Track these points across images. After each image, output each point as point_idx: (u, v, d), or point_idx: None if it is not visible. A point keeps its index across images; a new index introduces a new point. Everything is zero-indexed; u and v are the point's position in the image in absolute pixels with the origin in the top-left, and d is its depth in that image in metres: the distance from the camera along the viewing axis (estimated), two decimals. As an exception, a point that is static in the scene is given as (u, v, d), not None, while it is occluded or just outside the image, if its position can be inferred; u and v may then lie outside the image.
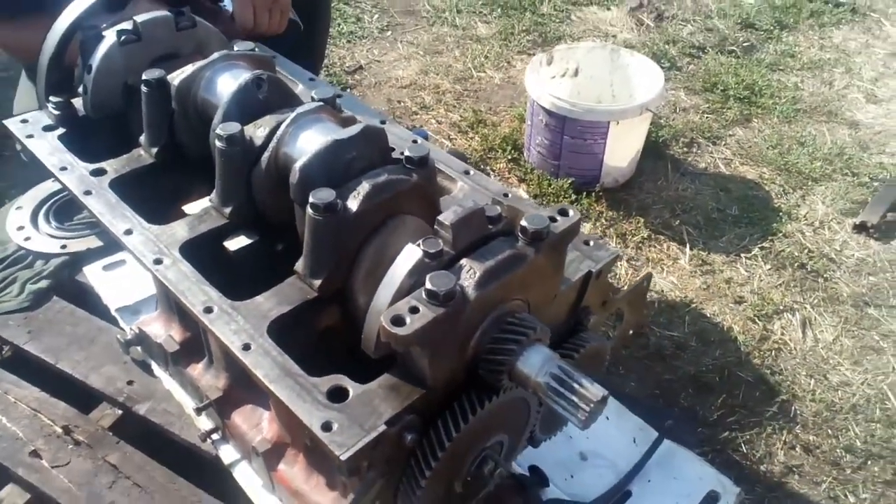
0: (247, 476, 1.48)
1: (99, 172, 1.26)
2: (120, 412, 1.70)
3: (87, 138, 1.37)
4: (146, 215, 1.18)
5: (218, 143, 1.11)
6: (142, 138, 1.30)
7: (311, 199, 0.98)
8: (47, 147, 1.31)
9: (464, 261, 0.92)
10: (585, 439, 1.64)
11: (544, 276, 1.00)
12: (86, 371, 1.75)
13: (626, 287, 1.30)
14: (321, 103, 1.15)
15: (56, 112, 1.35)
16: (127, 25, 1.35)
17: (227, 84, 1.21)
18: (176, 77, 1.22)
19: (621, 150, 2.68)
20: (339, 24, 3.80)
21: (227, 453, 1.51)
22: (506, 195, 1.26)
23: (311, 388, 0.91)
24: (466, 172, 1.31)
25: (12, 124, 1.36)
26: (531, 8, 4.02)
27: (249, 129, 1.14)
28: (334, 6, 3.95)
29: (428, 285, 0.86)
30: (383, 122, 1.41)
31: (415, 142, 1.35)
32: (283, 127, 1.10)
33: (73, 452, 1.60)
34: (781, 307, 2.30)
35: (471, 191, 1.27)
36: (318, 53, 2.54)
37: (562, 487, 1.57)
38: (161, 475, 1.55)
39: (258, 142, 1.13)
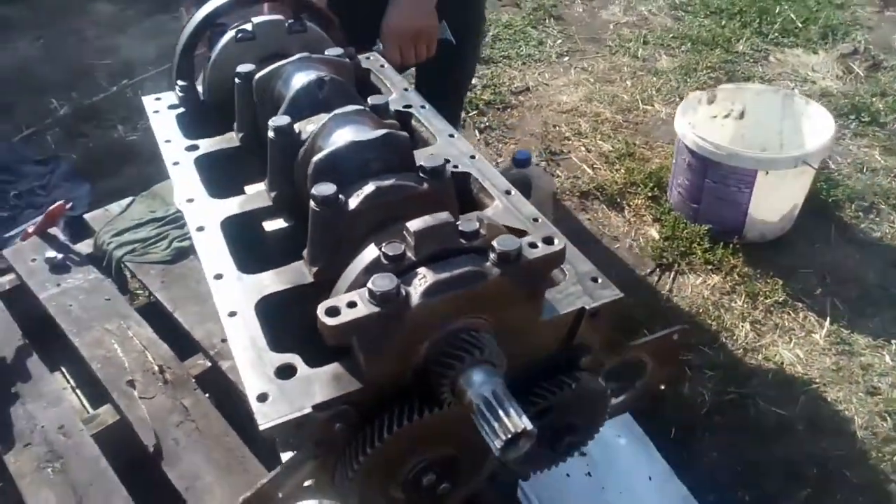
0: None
1: (192, 148, 1.45)
2: (209, 364, 1.92)
3: (201, 120, 1.57)
4: (221, 191, 1.34)
5: (269, 134, 1.23)
6: (235, 124, 1.47)
7: (312, 191, 1.06)
8: (164, 121, 1.53)
9: (421, 269, 0.94)
10: (619, 494, 1.56)
11: (512, 300, 0.98)
12: (193, 323, 2.00)
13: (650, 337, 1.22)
14: (361, 107, 1.22)
15: (181, 94, 1.57)
16: (246, 26, 1.53)
17: (299, 82, 1.33)
18: (259, 72, 1.37)
19: (771, 203, 2.46)
20: (519, 47, 3.89)
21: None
22: (536, 220, 1.25)
23: (266, 362, 0.98)
24: (508, 192, 1.31)
25: (147, 100, 1.61)
26: (725, 45, 3.80)
27: (302, 124, 1.25)
28: (520, 28, 4.05)
29: (369, 284, 0.89)
30: (451, 136, 1.46)
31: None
32: (321, 123, 1.19)
33: (160, 389, 1.83)
34: (927, 410, 1.97)
35: (504, 210, 1.27)
36: (469, 68, 2.62)
37: (575, 535, 1.50)
38: (219, 426, 1.73)
39: (304, 136, 1.23)
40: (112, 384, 1.83)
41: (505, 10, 4.29)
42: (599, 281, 1.14)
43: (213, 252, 1.18)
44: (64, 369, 2.09)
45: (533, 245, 0.99)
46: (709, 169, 2.43)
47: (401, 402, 0.98)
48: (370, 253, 0.97)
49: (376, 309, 0.89)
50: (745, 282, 2.41)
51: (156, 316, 2.09)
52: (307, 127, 1.24)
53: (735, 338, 2.24)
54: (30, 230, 2.35)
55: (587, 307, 1.08)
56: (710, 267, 2.47)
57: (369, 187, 1.08)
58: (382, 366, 0.94)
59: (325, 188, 1.05)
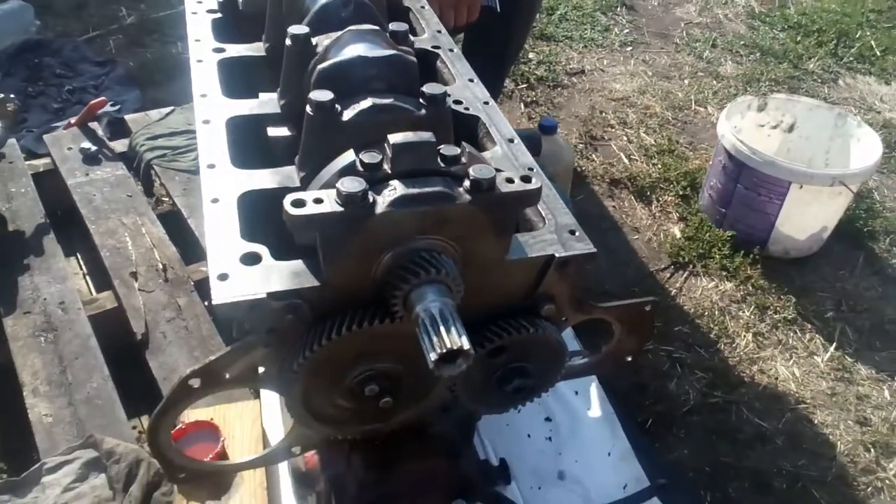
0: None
1: (219, 50, 1.48)
2: (210, 272, 1.97)
3: (236, 28, 1.61)
4: (236, 95, 1.38)
5: (287, 41, 1.25)
6: (263, 35, 1.50)
7: (309, 95, 1.08)
8: (199, 22, 1.57)
9: (393, 181, 0.96)
10: (574, 462, 1.57)
11: (480, 231, 0.99)
12: (203, 231, 2.06)
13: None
14: (377, 28, 1.24)
15: (220, 0, 1.61)
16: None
17: (326, -2, 1.35)
18: (290, -16, 1.39)
19: (800, 220, 2.39)
20: (584, 30, 3.84)
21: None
22: (530, 169, 1.25)
23: (234, 247, 1.02)
24: (511, 140, 1.31)
25: (189, 1, 1.65)
26: (795, 60, 3.68)
27: (319, 38, 1.27)
28: (588, 12, 3.99)
29: (338, 184, 0.91)
30: (471, 80, 1.47)
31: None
32: (335, 36, 1.21)
33: (159, 286, 1.90)
34: (916, 451, 1.91)
35: (501, 156, 1.28)
36: (515, 42, 2.60)
37: (525, 494, 1.51)
38: (207, 329, 1.79)
39: (319, 49, 1.25)
40: (116, 272, 1.91)
41: (577, -9, 4.23)
42: (576, 234, 1.13)
43: (212, 144, 1.22)
44: (78, 255, 2.18)
45: (509, 180, 0.99)
46: (742, 174, 2.38)
47: (354, 309, 1.00)
48: (347, 157, 0.99)
49: (340, 209, 0.91)
50: (758, 294, 2.36)
51: (171, 221, 2.16)
52: (324, 41, 1.26)
53: (734, 346, 2.20)
54: (72, 121, 2.44)
55: (557, 255, 1.09)
56: (725, 273, 2.43)
57: (366, 102, 1.10)
58: (341, 268, 0.97)
59: (323, 94, 1.07)
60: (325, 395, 1.06)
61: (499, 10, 2.30)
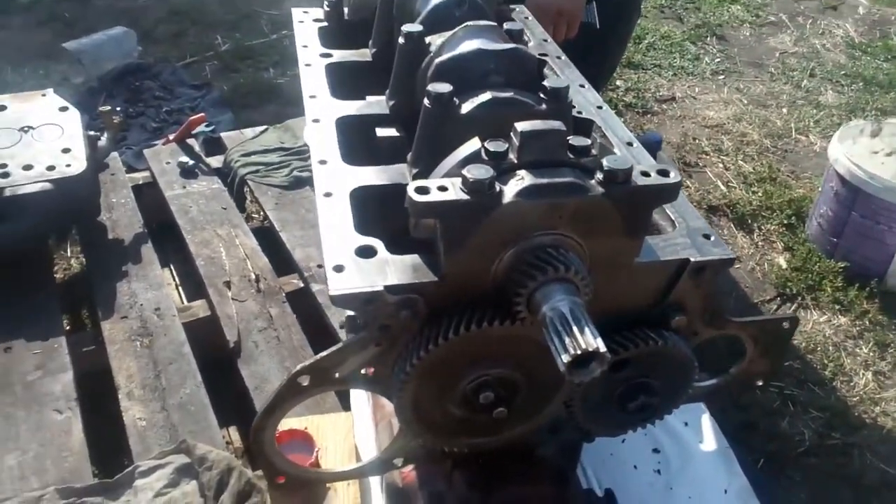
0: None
1: (326, 55, 1.47)
2: (301, 285, 1.96)
3: (342, 36, 1.60)
4: (345, 97, 1.36)
5: (399, 40, 1.23)
6: (371, 40, 1.49)
7: (428, 87, 1.04)
8: (306, 31, 1.57)
9: (521, 170, 0.90)
10: (688, 499, 1.44)
11: (611, 227, 0.92)
12: (295, 245, 2.06)
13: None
14: (493, 24, 1.20)
15: (327, 9, 1.61)
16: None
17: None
18: (400, -12, 1.37)
19: (923, 252, 2.21)
20: (673, 58, 3.74)
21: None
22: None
23: (349, 240, 0.97)
24: (629, 144, 1.24)
25: (296, 11, 1.66)
26: (904, 90, 3.49)
27: (433, 38, 1.24)
28: (677, 41, 3.90)
29: (464, 171, 0.86)
30: (582, 86, 1.41)
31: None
32: (450, 33, 1.18)
33: (252, 295, 1.89)
34: None
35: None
36: (611, 62, 2.54)
37: (632, 529, 1.40)
38: (298, 339, 1.76)
39: (433, 47, 1.22)
40: (210, 280, 1.91)
41: (666, 21, 4.15)
42: (711, 239, 1.04)
43: (324, 141, 1.19)
44: (172, 267, 2.21)
45: (645, 174, 0.92)
46: (858, 200, 2.22)
47: (473, 308, 0.94)
48: (471, 145, 0.94)
49: (466, 197, 0.86)
50: (876, 329, 2.18)
51: (263, 235, 2.17)
52: (437, 39, 1.23)
53: (852, 384, 2.02)
54: (171, 137, 2.51)
55: (692, 259, 1.00)
56: (838, 307, 2.26)
57: (485, 95, 1.05)
58: (462, 261, 0.90)
59: (442, 87, 1.03)
60: (436, 401, 1.00)
61: (598, 26, 2.25)
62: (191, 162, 2.32)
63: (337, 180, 1.10)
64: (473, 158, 0.92)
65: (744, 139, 3.08)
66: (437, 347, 0.92)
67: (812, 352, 2.12)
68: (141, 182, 2.33)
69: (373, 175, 1.12)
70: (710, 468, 1.48)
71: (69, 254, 2.25)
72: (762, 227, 2.58)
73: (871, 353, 2.12)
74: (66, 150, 1.89)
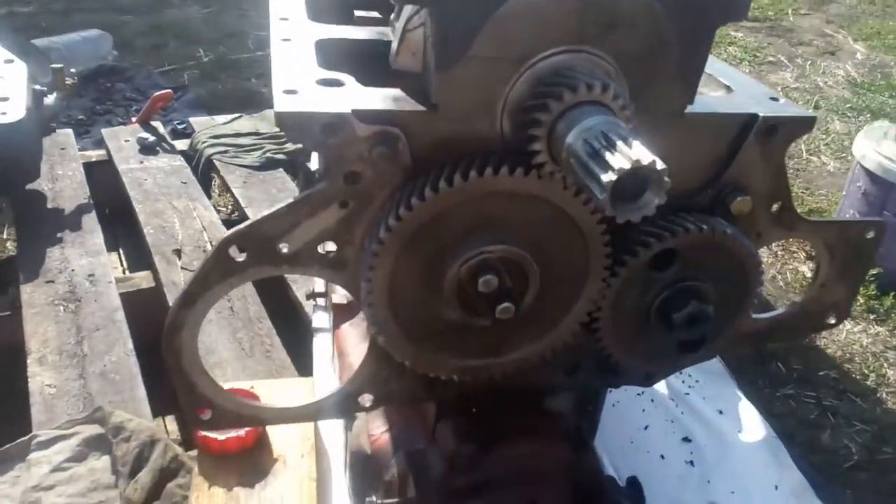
0: (321, 347, 1.33)
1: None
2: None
3: None
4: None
5: None
6: None
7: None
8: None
9: (541, -38, 0.67)
10: (730, 494, 1.15)
11: (659, 50, 0.68)
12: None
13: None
14: None
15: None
16: None
17: None
18: None
19: (964, 256, 1.99)
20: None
21: (319, 319, 1.39)
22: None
23: (309, 73, 0.73)
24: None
25: None
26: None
27: None
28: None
29: (466, -57, 0.63)
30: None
31: None
32: None
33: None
34: None
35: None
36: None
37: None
38: (256, 311, 1.49)
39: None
40: (157, 248, 1.64)
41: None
42: (781, 101, 0.81)
43: (287, 3, 0.97)
44: (121, 251, 1.94)
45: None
46: (891, 197, 2.02)
47: (472, 157, 0.69)
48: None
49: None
50: (919, 340, 1.93)
51: (231, 225, 1.92)
52: None
53: (887, 378, 1.76)
54: (133, 119, 2.28)
55: (762, 115, 0.76)
56: (873, 316, 2.01)
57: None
58: (461, 81, 0.66)
59: None
60: (420, 290, 0.72)
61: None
62: (152, 138, 2.09)
63: (300, 31, 0.87)
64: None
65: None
66: (424, 203, 0.67)
67: (848, 361, 1.86)
68: (94, 159, 2.08)
69: (346, 31, 0.89)
70: (755, 461, 1.19)
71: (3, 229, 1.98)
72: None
73: (912, 365, 1.86)
74: (3, 99, 1.66)
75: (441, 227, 0.69)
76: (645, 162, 0.55)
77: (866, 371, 1.83)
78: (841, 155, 2.98)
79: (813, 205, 2.55)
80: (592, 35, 0.67)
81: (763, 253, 2.32)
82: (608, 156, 0.57)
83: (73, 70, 1.96)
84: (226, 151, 2.11)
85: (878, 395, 1.77)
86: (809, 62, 4.17)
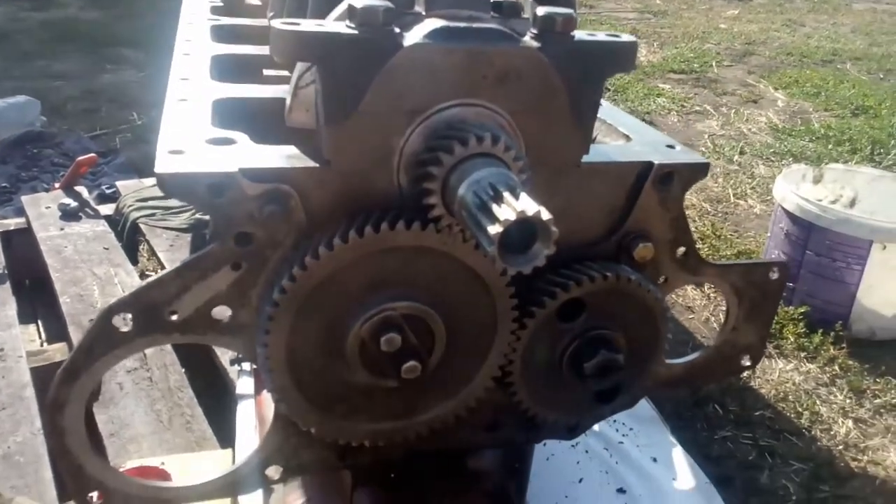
0: (245, 414, 1.28)
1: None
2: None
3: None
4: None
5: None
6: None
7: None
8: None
9: (428, 20, 0.67)
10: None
11: (550, 98, 0.69)
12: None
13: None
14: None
15: None
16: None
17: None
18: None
19: (888, 290, 2.05)
20: (606, 136, 3.72)
21: (244, 386, 1.34)
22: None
23: (200, 132, 0.71)
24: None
25: None
26: (842, 159, 3.51)
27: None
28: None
29: (350, 1, 0.63)
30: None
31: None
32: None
33: (125, 336, 1.54)
34: None
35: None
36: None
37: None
38: (176, 381, 1.43)
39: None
40: (73, 318, 1.57)
41: (596, 109, 4.19)
42: (677, 148, 0.83)
43: (191, 65, 0.95)
44: (40, 323, 1.85)
45: (590, 34, 0.71)
46: (812, 237, 2.08)
47: (369, 212, 0.68)
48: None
49: (353, 32, 0.62)
50: (848, 376, 1.97)
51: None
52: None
53: (833, 433, 1.78)
54: (56, 185, 2.22)
55: (657, 162, 0.77)
56: (804, 354, 2.05)
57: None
58: (353, 135, 0.65)
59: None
60: (321, 352, 0.70)
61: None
62: (74, 204, 2.02)
63: (199, 91, 0.85)
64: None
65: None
66: (319, 262, 0.65)
67: (783, 400, 1.88)
68: (13, 228, 2.00)
69: (244, 89, 0.88)
70: (690, 509, 1.17)
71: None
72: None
73: (848, 400, 1.89)
74: None
75: (340, 286, 0.67)
76: (530, 213, 0.54)
77: (800, 409, 1.85)
78: (766, 198, 3.08)
79: (742, 247, 2.62)
80: (484, 88, 0.67)
81: (696, 295, 2.36)
82: (495, 207, 0.56)
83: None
84: (153, 214, 2.06)
85: (813, 432, 1.78)
86: (734, 110, 4.35)
